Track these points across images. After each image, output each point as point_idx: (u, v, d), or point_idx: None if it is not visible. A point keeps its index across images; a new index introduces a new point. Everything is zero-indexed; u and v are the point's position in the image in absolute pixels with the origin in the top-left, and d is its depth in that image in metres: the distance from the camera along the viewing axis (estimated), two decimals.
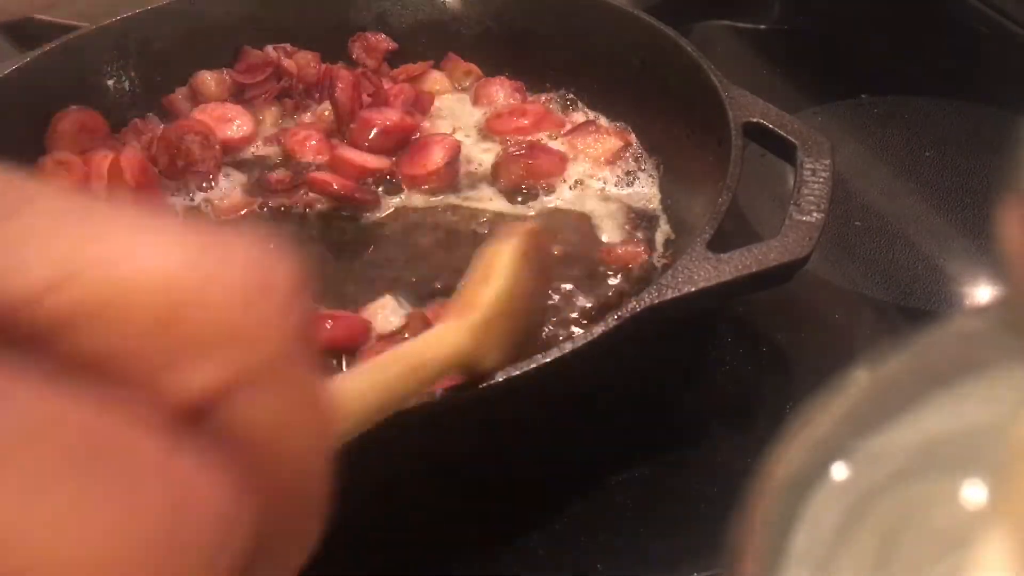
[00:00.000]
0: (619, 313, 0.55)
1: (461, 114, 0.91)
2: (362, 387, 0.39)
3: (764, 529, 0.21)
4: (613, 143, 0.84)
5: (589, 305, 0.71)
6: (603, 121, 0.88)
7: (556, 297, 0.72)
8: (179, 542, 0.20)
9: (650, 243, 0.76)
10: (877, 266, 0.76)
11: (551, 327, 0.69)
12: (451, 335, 0.46)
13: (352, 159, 0.82)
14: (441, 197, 0.82)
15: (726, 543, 0.22)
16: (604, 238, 0.77)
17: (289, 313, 0.24)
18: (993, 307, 0.22)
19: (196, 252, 0.21)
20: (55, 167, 0.79)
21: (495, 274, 0.49)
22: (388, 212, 0.81)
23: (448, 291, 0.72)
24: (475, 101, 0.92)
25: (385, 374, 0.41)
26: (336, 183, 0.80)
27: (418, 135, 0.85)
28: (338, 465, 0.25)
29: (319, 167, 0.84)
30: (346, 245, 0.78)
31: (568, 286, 0.73)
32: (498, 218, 0.79)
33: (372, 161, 0.83)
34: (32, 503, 0.18)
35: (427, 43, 0.96)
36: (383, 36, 0.95)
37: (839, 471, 0.21)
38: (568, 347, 0.53)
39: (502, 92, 0.91)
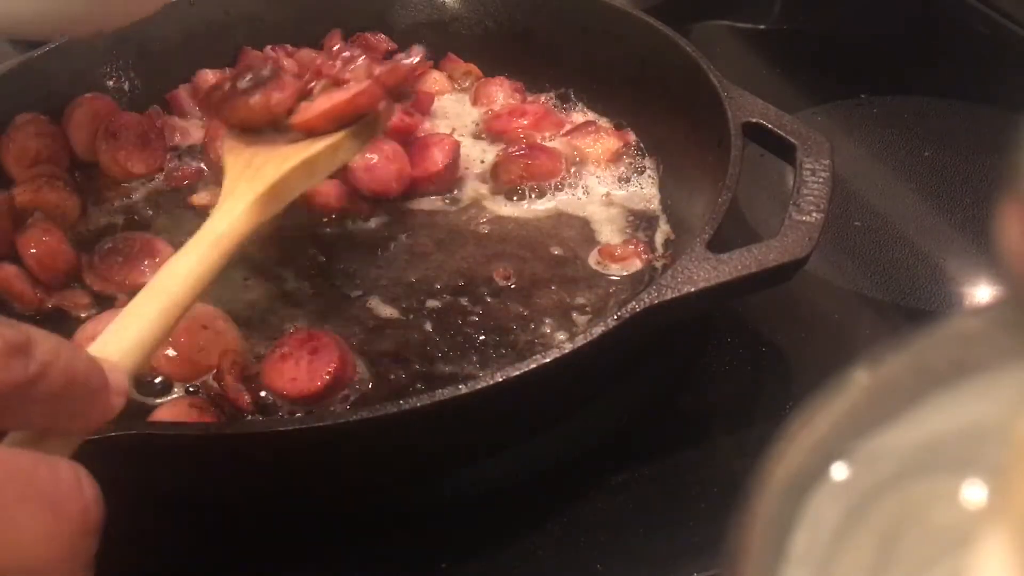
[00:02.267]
0: (619, 313, 0.55)
1: (460, 114, 0.91)
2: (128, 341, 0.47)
3: (764, 529, 0.21)
4: (613, 143, 0.84)
5: (589, 305, 0.71)
6: (603, 121, 0.88)
7: (556, 297, 0.72)
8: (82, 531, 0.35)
9: (650, 243, 0.76)
10: (877, 266, 0.76)
11: (552, 327, 0.69)
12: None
13: (367, 184, 0.80)
14: (441, 197, 0.82)
15: (726, 543, 0.22)
16: (604, 238, 0.77)
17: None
18: (993, 307, 0.22)
19: None
20: None
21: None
22: (389, 213, 0.81)
23: (448, 291, 0.73)
24: (475, 101, 0.92)
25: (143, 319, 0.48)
26: (334, 199, 0.80)
27: (418, 135, 0.85)
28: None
29: None
30: (346, 245, 0.78)
31: (568, 286, 0.73)
32: (498, 219, 0.79)
33: (381, 186, 0.81)
34: None
35: (426, 43, 0.95)
36: (383, 36, 0.95)
37: (839, 471, 0.21)
38: (568, 347, 0.53)
39: (501, 92, 0.91)
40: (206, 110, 0.72)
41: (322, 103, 0.63)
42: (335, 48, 0.71)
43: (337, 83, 0.65)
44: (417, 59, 0.69)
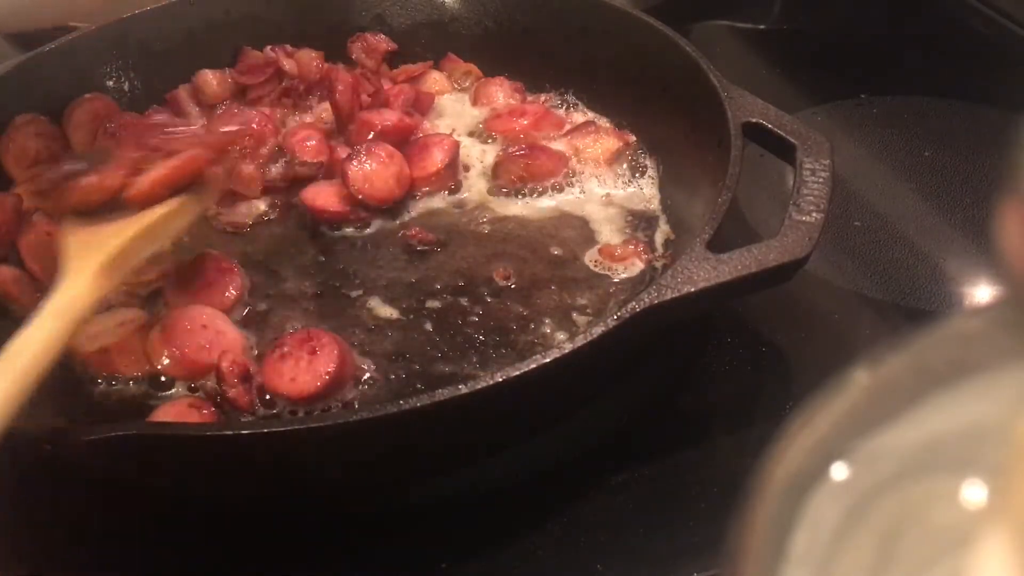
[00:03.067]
0: (619, 313, 0.55)
1: (461, 114, 0.91)
2: None
3: (764, 529, 0.21)
4: (613, 143, 0.84)
5: (589, 305, 0.71)
6: (603, 121, 0.88)
7: (556, 297, 0.72)
8: None
9: (650, 243, 0.76)
10: (877, 266, 0.76)
11: (552, 327, 0.69)
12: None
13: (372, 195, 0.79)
14: (441, 197, 0.82)
15: (726, 543, 0.22)
16: (604, 238, 0.77)
17: None
18: (993, 307, 0.22)
19: None
20: None
21: None
22: (388, 213, 0.81)
23: (448, 291, 0.73)
24: (474, 101, 0.92)
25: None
26: (331, 207, 0.79)
27: (418, 135, 0.85)
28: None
29: (312, 180, 0.82)
30: (346, 246, 0.78)
31: (568, 286, 0.73)
32: (498, 219, 0.79)
33: (382, 193, 0.79)
34: None
35: (426, 43, 0.96)
36: (383, 37, 0.95)
37: (839, 471, 0.21)
38: (568, 347, 0.53)
39: (501, 92, 0.91)
40: (34, 199, 0.74)
41: (153, 174, 0.65)
42: (157, 120, 0.73)
43: (168, 154, 0.67)
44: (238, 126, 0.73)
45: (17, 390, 0.51)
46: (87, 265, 0.61)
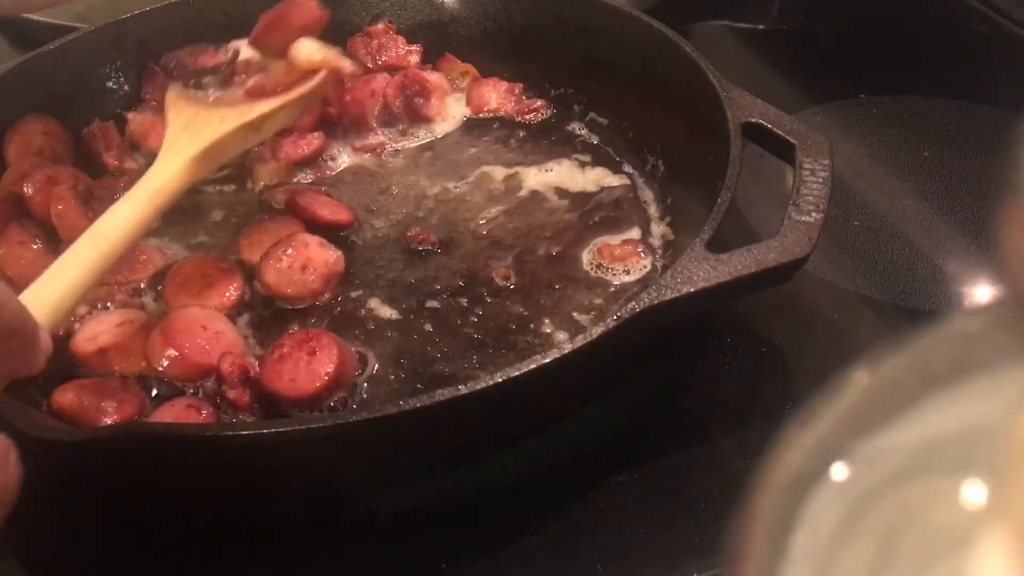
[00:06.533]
0: (619, 313, 0.55)
1: (456, 115, 0.91)
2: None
3: (764, 529, 0.21)
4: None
5: (588, 305, 0.71)
6: (601, 120, 0.88)
7: (556, 297, 0.72)
8: None
9: (650, 243, 0.76)
10: (877, 266, 0.76)
11: (552, 327, 0.69)
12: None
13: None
14: (440, 196, 0.82)
15: (726, 543, 0.22)
16: (603, 238, 0.77)
17: None
18: (993, 307, 0.22)
19: None
20: None
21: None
22: (386, 215, 0.81)
23: (448, 291, 0.73)
24: (468, 102, 0.92)
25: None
26: (327, 212, 0.79)
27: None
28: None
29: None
30: (347, 246, 0.78)
31: (568, 286, 0.73)
32: (498, 219, 0.79)
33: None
34: None
35: (426, 43, 0.96)
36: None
37: (839, 471, 0.21)
38: (568, 347, 0.53)
39: (494, 93, 0.91)
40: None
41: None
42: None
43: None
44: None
45: (103, 264, 0.54)
46: (182, 153, 0.63)
